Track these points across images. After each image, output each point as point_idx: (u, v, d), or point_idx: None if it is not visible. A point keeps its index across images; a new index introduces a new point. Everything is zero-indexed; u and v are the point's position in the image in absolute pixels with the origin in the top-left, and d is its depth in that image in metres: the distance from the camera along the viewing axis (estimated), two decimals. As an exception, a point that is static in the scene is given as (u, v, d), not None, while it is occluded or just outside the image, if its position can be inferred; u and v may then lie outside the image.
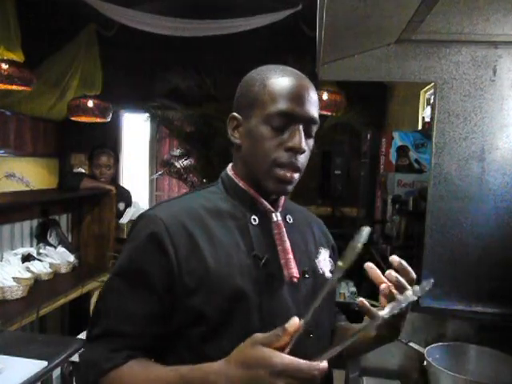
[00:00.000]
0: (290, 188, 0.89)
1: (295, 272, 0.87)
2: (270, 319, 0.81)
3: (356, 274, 2.79)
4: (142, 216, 0.89)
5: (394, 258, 0.80)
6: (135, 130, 5.27)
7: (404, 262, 0.80)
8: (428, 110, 3.12)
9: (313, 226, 1.03)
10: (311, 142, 0.90)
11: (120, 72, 4.41)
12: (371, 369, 1.46)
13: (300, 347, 0.78)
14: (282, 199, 0.95)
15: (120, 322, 0.81)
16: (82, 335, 2.34)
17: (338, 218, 3.88)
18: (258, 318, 0.82)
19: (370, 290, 2.51)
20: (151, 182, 5.27)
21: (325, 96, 3.83)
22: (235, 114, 0.92)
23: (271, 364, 0.62)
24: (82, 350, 0.85)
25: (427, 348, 1.25)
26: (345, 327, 1.04)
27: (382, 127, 4.38)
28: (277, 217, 0.91)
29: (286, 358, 0.63)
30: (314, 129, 0.89)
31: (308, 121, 0.87)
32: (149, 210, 0.91)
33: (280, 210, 0.93)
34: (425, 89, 3.31)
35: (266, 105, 0.86)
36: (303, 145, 0.85)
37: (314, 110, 0.87)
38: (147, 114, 4.40)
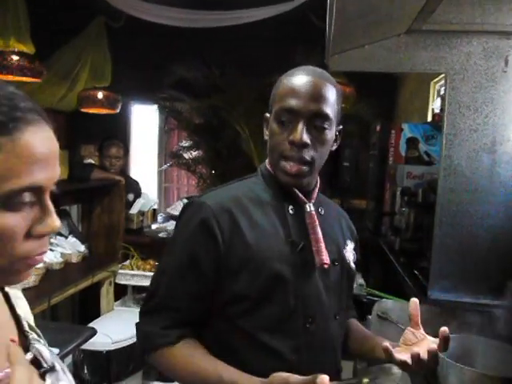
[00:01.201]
0: (302, 181, 0.95)
1: (326, 259, 0.93)
2: (304, 300, 0.91)
3: (364, 266, 2.79)
4: (191, 202, 0.97)
5: (445, 332, 0.85)
6: (144, 121, 5.29)
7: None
8: (438, 101, 3.09)
9: (341, 219, 1.10)
10: (324, 136, 0.93)
11: (129, 63, 4.41)
12: (379, 360, 1.47)
13: (328, 328, 0.95)
14: (315, 192, 1.00)
15: (172, 299, 0.92)
16: (93, 324, 2.37)
17: (346, 210, 3.86)
18: (293, 298, 0.90)
19: (377, 282, 2.51)
20: (160, 173, 5.29)
21: (333, 87, 3.80)
22: (266, 113, 0.99)
23: None
24: (139, 321, 0.95)
25: (435, 340, 1.25)
26: (358, 335, 1.10)
27: (391, 119, 4.34)
28: (310, 207, 0.96)
29: None
30: (325, 123, 0.92)
31: (311, 115, 0.91)
32: (197, 196, 0.99)
33: (313, 201, 0.98)
34: (435, 80, 3.27)
35: (276, 103, 0.94)
36: (303, 138, 0.90)
37: (318, 105, 0.91)
38: (156, 106, 4.41)
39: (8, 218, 0.48)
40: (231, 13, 3.64)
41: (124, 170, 3.83)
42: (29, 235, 0.51)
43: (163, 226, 3.48)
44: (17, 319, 0.63)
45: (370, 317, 1.53)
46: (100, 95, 4.05)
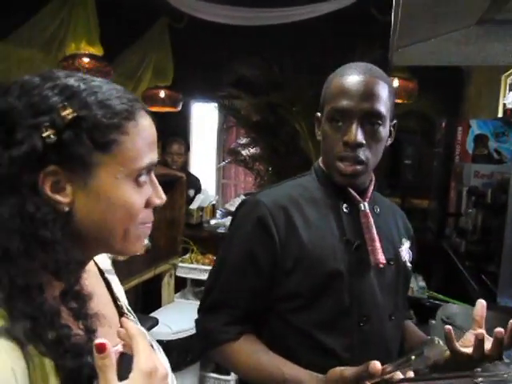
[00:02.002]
0: (357, 181, 0.95)
1: (381, 259, 0.92)
2: (358, 299, 0.90)
3: (425, 268, 2.68)
4: (246, 200, 0.99)
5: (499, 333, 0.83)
6: (204, 118, 5.40)
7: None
8: (510, 95, 2.90)
9: (397, 217, 1.08)
10: (378, 134, 0.92)
11: (190, 62, 4.52)
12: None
13: (383, 328, 0.94)
14: (370, 190, 0.99)
15: (231, 297, 0.93)
16: (154, 314, 2.47)
17: (407, 209, 3.74)
18: (348, 297, 0.90)
19: (439, 285, 2.41)
20: (218, 169, 5.39)
21: (395, 83, 3.68)
22: (318, 113, 0.99)
23: None
24: (198, 318, 0.98)
25: (504, 348, 1.18)
26: (415, 337, 1.08)
27: (457, 115, 4.14)
28: (364, 206, 0.95)
29: None
30: (379, 121, 0.91)
31: (364, 115, 0.90)
32: (252, 195, 1.01)
33: (368, 200, 0.97)
34: (507, 73, 3.07)
35: (328, 103, 0.93)
36: (358, 138, 0.89)
37: (370, 103, 0.89)
38: (215, 104, 4.50)
39: (137, 192, 0.57)
40: (291, 9, 3.62)
41: (185, 167, 3.95)
42: (145, 206, 0.59)
43: (222, 222, 3.54)
44: (115, 301, 0.70)
45: (433, 321, 1.47)
46: (162, 94, 4.19)
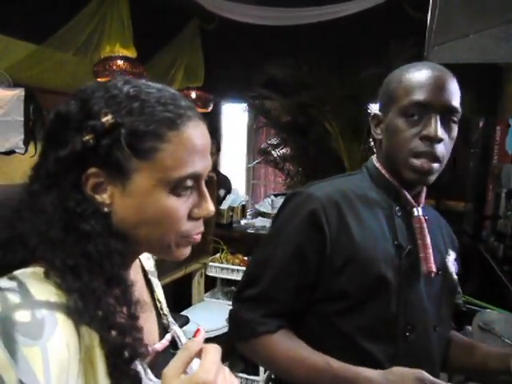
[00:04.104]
0: (431, 178, 0.90)
1: (434, 267, 0.89)
2: (406, 306, 0.87)
3: (459, 272, 2.60)
4: (297, 193, 0.95)
5: None
6: (234, 119, 5.43)
7: None
8: (553, 93, 2.78)
9: (441, 226, 1.04)
10: (453, 131, 0.89)
11: (220, 64, 4.55)
12: (494, 371, 1.36)
13: (428, 339, 0.90)
14: (423, 195, 0.96)
15: (275, 290, 0.90)
16: (185, 312, 2.50)
17: (441, 211, 3.63)
18: (396, 303, 0.87)
19: (475, 290, 2.33)
20: (248, 170, 5.40)
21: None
22: (377, 112, 0.95)
23: None
24: (233, 309, 0.95)
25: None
26: (464, 346, 1.03)
27: (495, 114, 3.99)
28: (418, 211, 0.92)
29: None
30: (455, 119, 0.89)
31: (445, 110, 0.87)
32: (303, 188, 0.97)
33: (422, 205, 0.94)
34: (550, 70, 2.95)
35: (401, 98, 0.89)
36: (439, 133, 0.85)
37: (451, 98, 0.87)
38: (246, 104, 4.52)
39: (174, 201, 0.56)
40: (325, 8, 3.58)
41: (215, 167, 3.98)
42: (189, 217, 0.58)
43: (252, 222, 3.55)
44: (155, 303, 0.71)
45: (469, 327, 1.42)
46: (193, 95, 4.23)
